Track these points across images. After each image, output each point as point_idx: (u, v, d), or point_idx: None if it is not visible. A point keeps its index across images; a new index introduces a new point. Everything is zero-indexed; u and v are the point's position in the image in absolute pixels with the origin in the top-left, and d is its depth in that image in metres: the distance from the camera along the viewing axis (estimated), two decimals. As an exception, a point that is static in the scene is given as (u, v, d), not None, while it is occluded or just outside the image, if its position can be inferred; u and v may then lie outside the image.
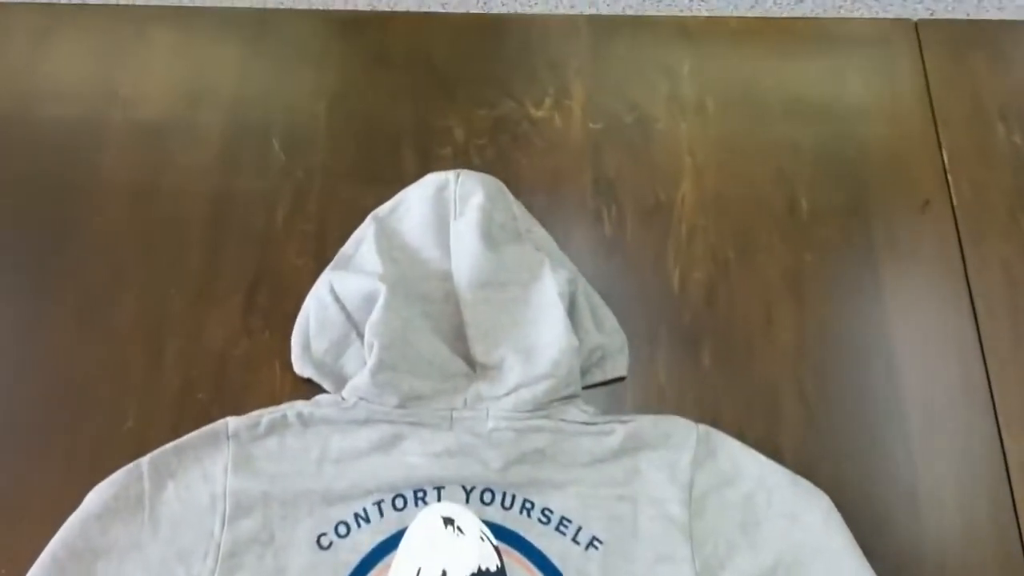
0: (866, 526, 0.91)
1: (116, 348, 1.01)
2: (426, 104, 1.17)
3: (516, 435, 0.94)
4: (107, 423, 0.98)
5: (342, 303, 0.99)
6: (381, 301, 0.94)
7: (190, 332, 1.02)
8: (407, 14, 1.81)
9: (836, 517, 0.90)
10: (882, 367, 1.02)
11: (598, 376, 1.01)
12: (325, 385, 0.98)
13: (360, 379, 0.94)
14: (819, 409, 1.00)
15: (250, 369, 1.00)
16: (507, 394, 0.95)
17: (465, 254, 0.98)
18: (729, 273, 1.07)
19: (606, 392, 1.00)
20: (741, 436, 0.94)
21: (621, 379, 1.00)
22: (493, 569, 0.90)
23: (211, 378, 1.00)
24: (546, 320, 0.96)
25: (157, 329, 1.03)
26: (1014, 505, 0.95)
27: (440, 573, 0.89)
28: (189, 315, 1.03)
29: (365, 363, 0.94)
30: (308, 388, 0.98)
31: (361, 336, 0.97)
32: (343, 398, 0.96)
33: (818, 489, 0.92)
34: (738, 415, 0.99)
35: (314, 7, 2.12)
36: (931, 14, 2.21)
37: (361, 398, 0.95)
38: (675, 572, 0.88)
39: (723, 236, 1.09)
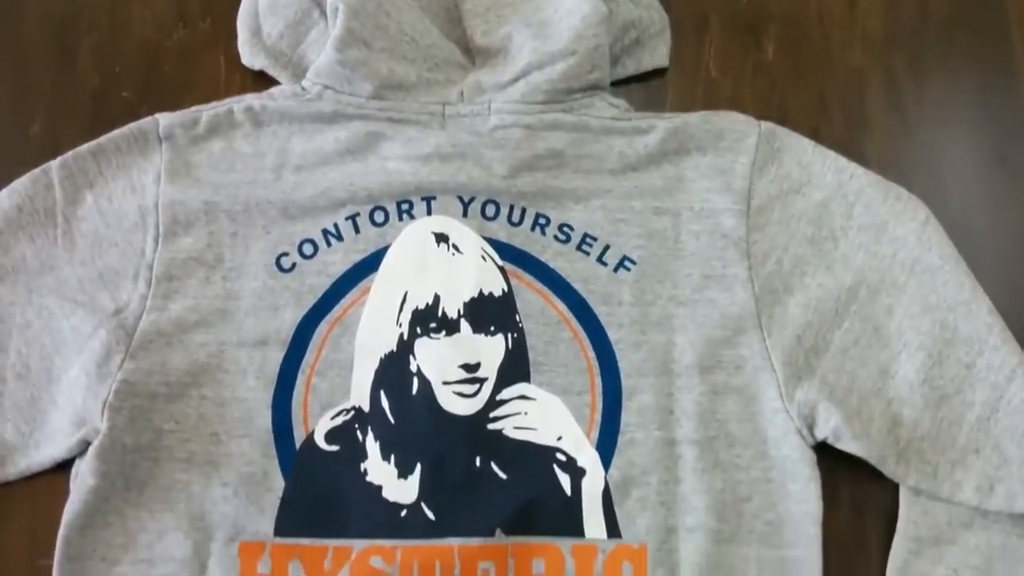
0: (969, 251, 0.71)
1: (18, 45, 0.81)
2: None
3: (526, 133, 0.73)
4: (5, 128, 0.79)
5: (299, -33, 0.76)
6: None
7: (112, 23, 0.82)
8: None
9: (935, 228, 0.70)
10: (999, 56, 0.80)
11: (631, 67, 0.79)
12: (282, 79, 0.76)
13: (324, 58, 0.73)
14: (915, 106, 0.79)
15: (187, 63, 0.80)
16: (514, 80, 0.73)
17: None
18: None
19: (641, 90, 0.79)
20: (815, 139, 0.74)
21: (661, 72, 0.79)
22: (498, 293, 0.71)
23: (138, 75, 0.80)
24: (565, -17, 0.74)
25: (71, 20, 0.82)
26: None
27: (432, 299, 0.71)
28: (109, 3, 0.82)
29: (331, 42, 0.73)
30: (261, 85, 0.77)
31: (325, 14, 0.76)
32: (303, 88, 0.75)
33: (913, 196, 0.72)
34: (811, 114, 0.78)
35: None
36: None
37: (326, 86, 0.74)
38: (727, 294, 0.70)
39: None
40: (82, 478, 0.65)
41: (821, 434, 0.66)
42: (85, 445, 0.66)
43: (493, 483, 0.67)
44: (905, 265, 0.70)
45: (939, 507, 0.66)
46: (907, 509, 0.66)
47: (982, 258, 0.71)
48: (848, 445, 0.66)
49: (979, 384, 0.67)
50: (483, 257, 0.72)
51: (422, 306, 0.70)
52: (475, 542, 0.64)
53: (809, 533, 0.65)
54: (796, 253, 0.71)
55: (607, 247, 0.72)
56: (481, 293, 0.71)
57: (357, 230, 0.72)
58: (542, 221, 0.73)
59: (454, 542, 0.65)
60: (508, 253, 0.72)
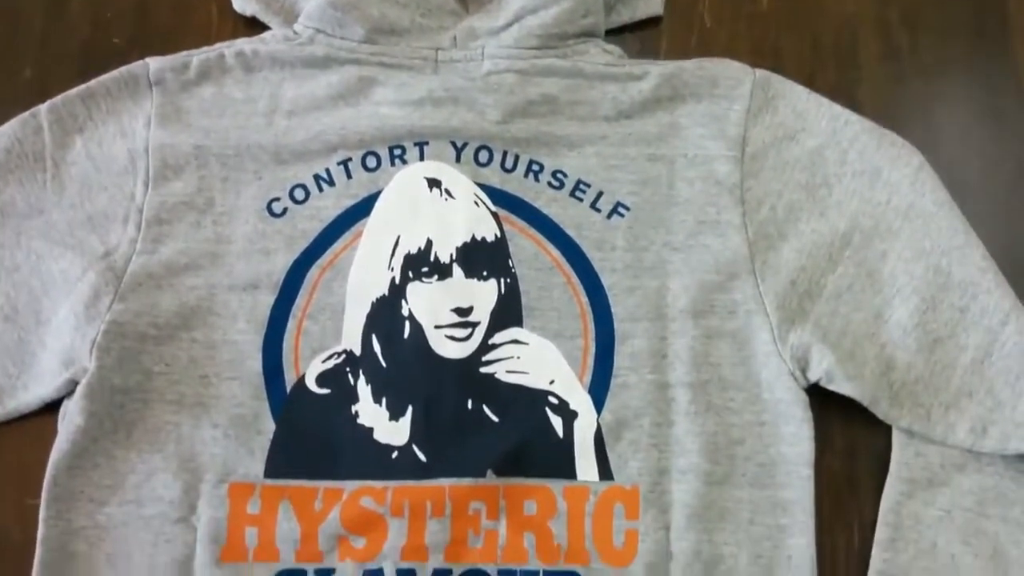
0: (962, 199, 0.70)
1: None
2: None
3: (520, 79, 0.73)
4: (-2, 74, 0.79)
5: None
6: None
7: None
8: None
9: (929, 174, 0.70)
10: (994, 5, 0.79)
11: (625, 15, 0.78)
12: (274, 25, 0.75)
13: (315, 1, 0.72)
14: (910, 55, 0.78)
15: (178, 9, 0.79)
16: (507, 25, 0.73)
17: None
18: None
19: (635, 39, 0.78)
20: (809, 87, 0.73)
21: (656, 20, 0.78)
22: (491, 239, 0.71)
23: (129, 21, 0.79)
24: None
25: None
26: None
27: (424, 243, 0.70)
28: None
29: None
30: (253, 31, 0.76)
31: (317, -41, 0.75)
32: (295, 32, 0.74)
33: (907, 143, 0.71)
34: (805, 62, 0.78)
35: None
36: None
37: (318, 30, 0.73)
38: (721, 240, 0.70)
39: None
40: (70, 418, 0.65)
41: (814, 376, 0.66)
42: (73, 385, 0.66)
43: (485, 425, 0.66)
44: (899, 211, 0.69)
45: (932, 449, 0.65)
46: (900, 451, 0.66)
47: (975, 206, 0.70)
48: (841, 386, 0.66)
49: (973, 328, 0.66)
50: (476, 203, 0.71)
51: (414, 251, 0.69)
52: (466, 482, 0.64)
53: (802, 475, 0.65)
54: (790, 199, 0.71)
55: (600, 193, 0.72)
56: (474, 238, 0.70)
57: (349, 175, 0.71)
58: (535, 168, 0.72)
59: (445, 482, 0.64)
60: (501, 199, 0.71)
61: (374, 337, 0.68)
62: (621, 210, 0.71)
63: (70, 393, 0.66)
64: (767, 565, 0.64)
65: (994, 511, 0.64)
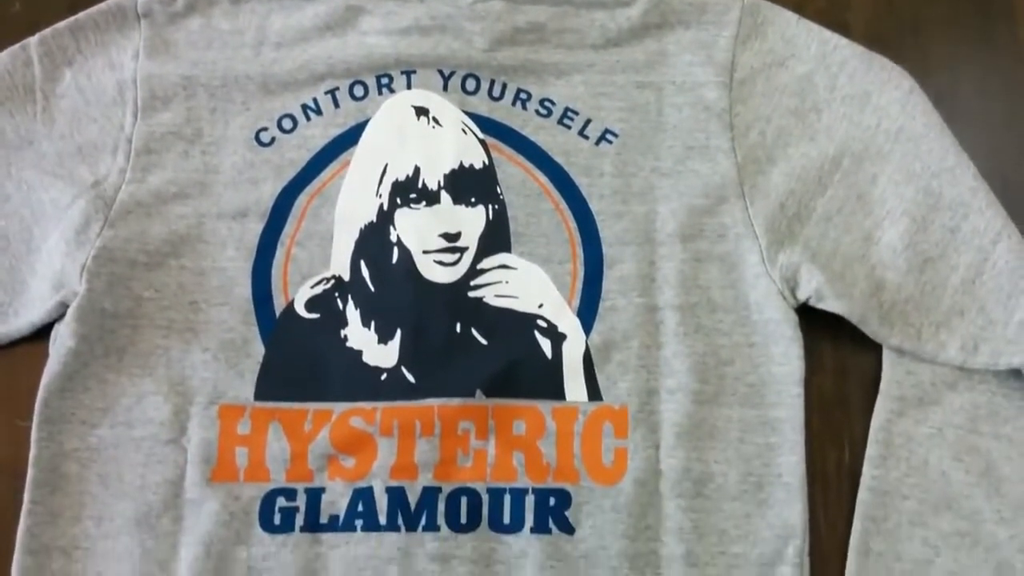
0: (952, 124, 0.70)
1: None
2: None
3: (507, 6, 0.72)
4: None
5: None
6: None
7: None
8: None
9: (919, 97, 0.70)
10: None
11: (613, -56, 0.79)
12: (262, -39, 0.77)
13: (301, -75, 0.73)
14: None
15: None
16: (494, -47, 0.74)
17: None
18: None
19: (623, -28, 0.79)
20: (799, 11, 0.73)
21: (643, -49, 0.79)
22: (479, 166, 0.71)
23: (118, -42, 0.80)
24: None
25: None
26: None
27: (412, 170, 0.70)
28: None
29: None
30: (241, -34, 0.77)
31: None
32: (282, -37, 0.75)
33: (897, 67, 0.71)
34: (794, -12, 0.78)
35: None
36: None
37: (304, -40, 0.74)
38: (710, 164, 0.69)
39: None
40: (61, 340, 0.65)
41: (803, 295, 0.66)
42: (63, 308, 0.66)
43: (473, 348, 0.66)
44: (889, 134, 0.69)
45: (923, 368, 0.65)
46: (890, 370, 0.65)
47: (965, 130, 0.69)
48: (830, 304, 0.65)
49: (964, 247, 0.66)
50: (463, 130, 0.71)
51: (402, 177, 0.69)
52: (455, 403, 0.64)
53: (791, 393, 0.65)
54: (779, 125, 0.70)
55: (588, 121, 0.71)
56: (461, 165, 0.70)
57: (336, 104, 0.71)
58: (523, 96, 0.72)
59: (434, 403, 0.64)
60: (489, 127, 0.71)
61: (362, 263, 0.68)
62: (609, 137, 0.71)
63: (61, 317, 0.66)
64: (757, 483, 0.64)
65: (986, 428, 0.63)
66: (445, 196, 0.69)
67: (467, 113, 0.71)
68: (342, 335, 0.67)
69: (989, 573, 0.60)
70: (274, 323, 0.67)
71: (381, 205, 0.69)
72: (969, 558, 0.61)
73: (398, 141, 0.70)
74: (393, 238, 0.68)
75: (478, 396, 0.64)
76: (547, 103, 0.72)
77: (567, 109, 0.72)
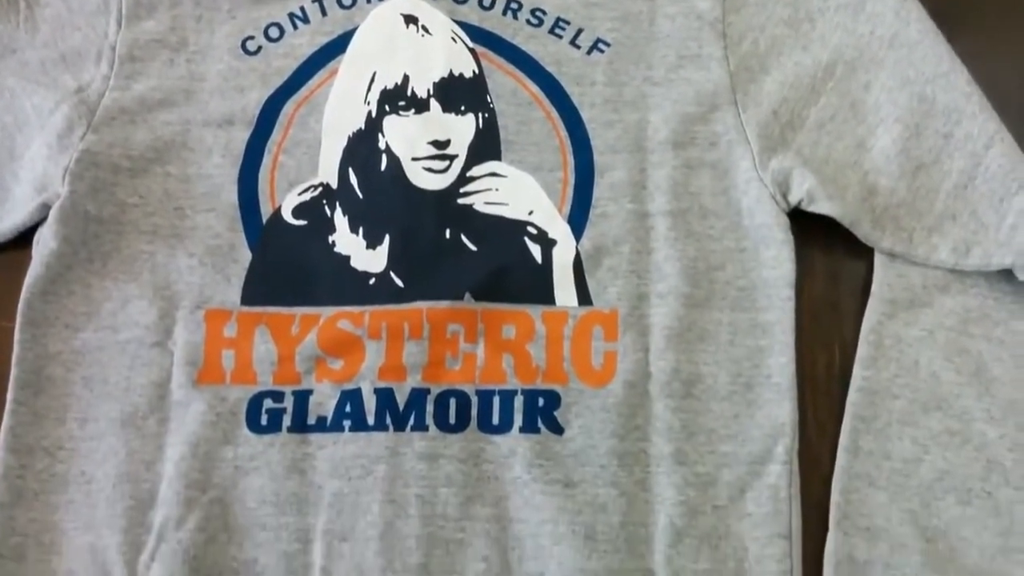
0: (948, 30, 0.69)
1: None
2: None
3: (497, -86, 0.73)
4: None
5: None
6: None
7: None
8: None
9: (913, 4, 0.69)
10: None
11: None
12: None
13: None
14: None
15: None
16: None
17: None
18: None
19: None
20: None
21: None
22: (468, 75, 0.70)
23: None
24: None
25: None
26: None
27: (401, 79, 0.69)
28: None
29: None
30: None
31: None
32: None
33: (891, -25, 0.71)
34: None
35: None
36: None
37: None
38: (703, 73, 0.69)
39: None
40: (44, 242, 0.64)
41: (795, 198, 0.65)
42: (46, 210, 0.65)
43: (463, 253, 0.66)
44: (883, 41, 0.68)
45: (914, 271, 0.65)
46: (882, 272, 0.65)
47: (959, 38, 0.68)
48: (822, 207, 0.65)
49: (957, 153, 0.65)
50: (453, 39, 0.70)
51: (391, 85, 0.69)
52: (444, 305, 0.63)
53: (782, 296, 0.64)
54: (773, 34, 0.69)
55: (580, 30, 0.71)
56: (451, 74, 0.69)
57: (324, 12, 0.71)
58: (514, 5, 0.71)
59: (423, 306, 0.64)
60: (479, 36, 0.70)
61: (350, 170, 0.67)
62: (601, 46, 0.70)
63: (44, 219, 0.65)
64: (746, 383, 0.63)
65: (977, 330, 0.63)
66: (434, 104, 0.68)
67: (457, 22, 0.70)
68: (330, 241, 0.66)
69: (978, 471, 0.60)
70: (261, 229, 0.66)
71: (369, 112, 0.68)
72: (958, 457, 0.60)
73: (387, 49, 0.69)
74: (382, 145, 0.67)
75: (467, 299, 0.64)
76: (538, 12, 0.71)
77: (558, 19, 0.71)
